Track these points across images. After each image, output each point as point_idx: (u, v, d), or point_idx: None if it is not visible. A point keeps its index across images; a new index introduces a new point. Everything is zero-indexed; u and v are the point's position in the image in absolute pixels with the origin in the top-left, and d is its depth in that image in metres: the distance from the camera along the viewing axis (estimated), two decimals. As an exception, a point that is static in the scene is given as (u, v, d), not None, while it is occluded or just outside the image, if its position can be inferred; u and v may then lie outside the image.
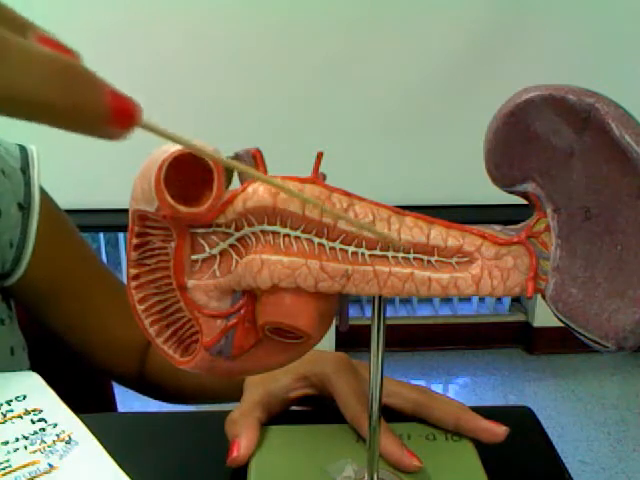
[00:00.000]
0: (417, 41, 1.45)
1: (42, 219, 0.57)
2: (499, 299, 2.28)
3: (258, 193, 0.30)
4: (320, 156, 0.31)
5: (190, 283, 0.32)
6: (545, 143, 0.30)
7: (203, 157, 0.29)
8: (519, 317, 2.23)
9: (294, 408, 0.50)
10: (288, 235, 0.31)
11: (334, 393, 0.47)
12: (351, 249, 0.31)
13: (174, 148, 0.29)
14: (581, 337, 0.31)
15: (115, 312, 0.62)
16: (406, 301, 2.24)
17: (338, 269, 0.31)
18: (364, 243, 0.31)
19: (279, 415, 0.48)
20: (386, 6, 1.42)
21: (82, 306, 0.61)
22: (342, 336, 1.82)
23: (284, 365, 0.35)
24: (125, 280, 0.33)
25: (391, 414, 0.46)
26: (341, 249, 0.31)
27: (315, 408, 0.51)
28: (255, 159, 0.31)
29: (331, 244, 0.31)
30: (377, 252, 0.31)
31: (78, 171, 1.44)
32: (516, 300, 2.28)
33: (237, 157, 0.31)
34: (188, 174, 0.30)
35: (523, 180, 0.30)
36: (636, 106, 0.32)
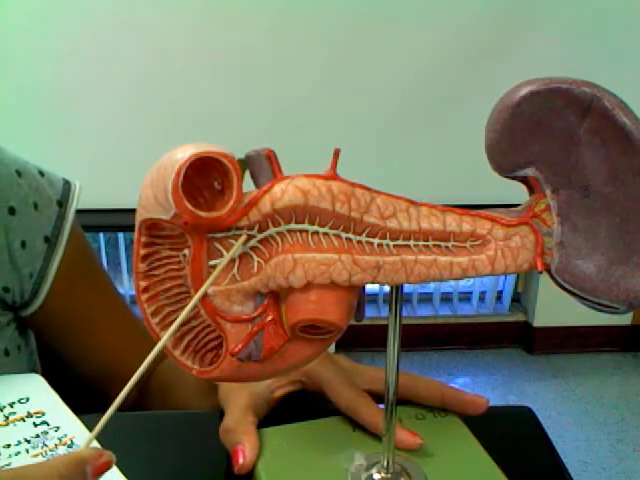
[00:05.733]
0: (415, 41, 1.45)
1: (68, 254, 0.57)
2: (499, 299, 2.28)
3: (289, 193, 0.30)
4: (337, 153, 0.31)
5: (211, 290, 0.32)
6: (546, 130, 0.32)
7: (222, 160, 0.29)
8: (519, 317, 2.23)
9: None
10: (317, 232, 0.32)
11: (322, 384, 0.47)
12: (376, 241, 0.32)
13: (188, 153, 0.29)
14: (587, 303, 0.34)
15: (128, 347, 0.62)
16: (406, 301, 2.24)
17: (370, 261, 0.32)
18: (388, 235, 0.32)
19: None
20: (389, 5, 1.42)
21: (97, 340, 0.61)
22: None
23: (312, 360, 0.35)
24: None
25: (377, 400, 0.46)
26: (367, 242, 0.32)
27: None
28: (270, 160, 0.31)
29: (358, 238, 0.32)
30: (400, 242, 0.33)
31: (77, 171, 1.44)
32: (516, 300, 2.28)
33: (249, 158, 0.31)
34: (196, 179, 0.30)
35: (525, 166, 0.33)
36: (634, 102, 0.33)
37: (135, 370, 0.68)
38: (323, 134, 1.46)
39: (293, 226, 0.31)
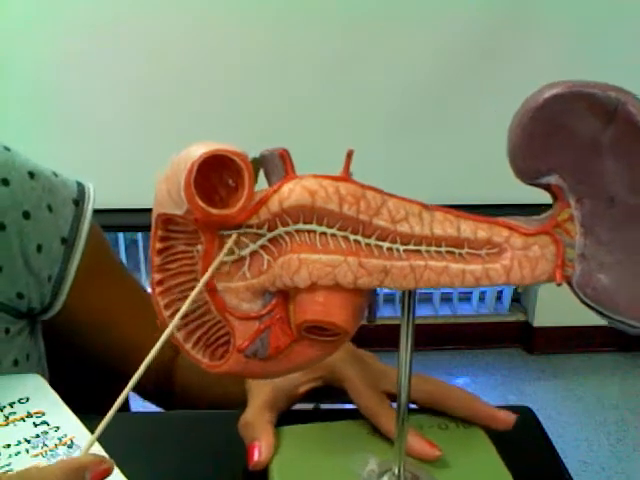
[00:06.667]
0: (417, 41, 1.45)
1: (87, 253, 0.56)
2: (499, 299, 2.28)
3: (296, 192, 0.30)
4: (350, 154, 0.31)
5: (220, 286, 0.32)
6: (570, 136, 0.31)
7: (234, 159, 0.29)
8: (519, 317, 2.23)
9: (300, 407, 0.50)
10: (324, 233, 0.31)
11: (346, 385, 0.46)
12: (386, 245, 0.32)
13: (200, 151, 0.29)
14: (608, 320, 0.32)
15: (149, 332, 0.62)
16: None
17: (377, 265, 0.32)
18: (398, 239, 0.32)
19: (288, 415, 0.48)
20: (390, 5, 1.42)
21: (120, 333, 0.61)
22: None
23: (318, 362, 0.35)
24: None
25: None
26: (376, 245, 0.32)
27: (321, 401, 0.51)
28: (283, 159, 0.31)
29: (367, 240, 0.32)
30: (411, 247, 0.32)
31: (75, 172, 1.44)
32: (516, 300, 2.28)
33: (263, 158, 0.31)
34: (212, 177, 0.30)
35: (547, 173, 0.31)
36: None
37: (156, 358, 0.67)
38: (324, 135, 1.46)
39: (301, 226, 0.31)
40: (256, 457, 0.43)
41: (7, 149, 0.53)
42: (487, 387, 2.04)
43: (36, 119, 1.45)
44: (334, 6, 1.42)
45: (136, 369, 0.66)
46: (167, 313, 0.33)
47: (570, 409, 1.91)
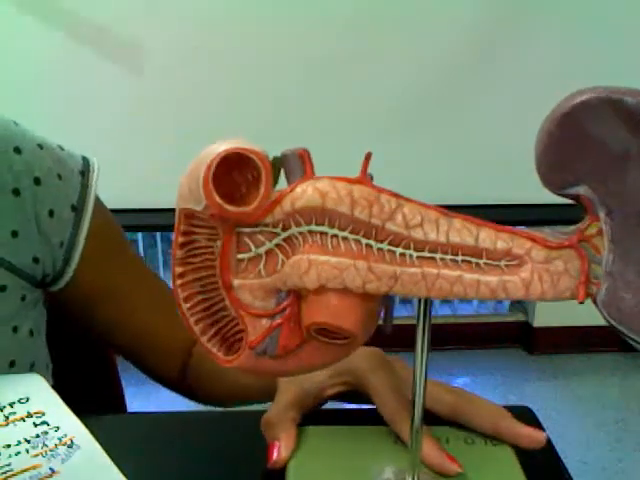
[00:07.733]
0: (417, 41, 1.45)
1: (95, 224, 0.58)
2: (499, 299, 2.28)
3: (307, 193, 0.31)
4: (368, 157, 0.31)
5: (236, 282, 0.32)
6: (599, 145, 0.29)
7: (252, 157, 0.29)
8: (519, 317, 2.23)
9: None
10: (336, 235, 0.31)
11: (371, 392, 0.46)
12: (399, 250, 0.32)
13: (222, 148, 0.29)
14: (630, 341, 0.31)
15: (160, 315, 0.63)
16: (406, 301, 2.23)
17: (386, 270, 0.31)
18: (412, 245, 0.31)
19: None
20: (390, 5, 1.42)
21: (129, 309, 0.62)
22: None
23: (329, 365, 0.35)
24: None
25: (427, 416, 0.44)
26: (389, 250, 0.32)
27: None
28: (302, 159, 0.31)
29: (379, 245, 0.31)
30: (425, 254, 0.31)
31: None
32: (516, 300, 2.28)
33: (284, 157, 0.31)
34: (235, 174, 0.31)
35: (575, 183, 0.30)
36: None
37: (167, 342, 0.65)
38: (324, 135, 1.46)
39: (313, 227, 0.31)
40: (275, 456, 0.43)
41: (16, 124, 0.56)
42: (487, 387, 2.04)
43: (34, 120, 1.45)
44: (335, 6, 1.42)
45: (141, 350, 0.66)
46: (187, 305, 0.33)
47: (570, 409, 1.91)
